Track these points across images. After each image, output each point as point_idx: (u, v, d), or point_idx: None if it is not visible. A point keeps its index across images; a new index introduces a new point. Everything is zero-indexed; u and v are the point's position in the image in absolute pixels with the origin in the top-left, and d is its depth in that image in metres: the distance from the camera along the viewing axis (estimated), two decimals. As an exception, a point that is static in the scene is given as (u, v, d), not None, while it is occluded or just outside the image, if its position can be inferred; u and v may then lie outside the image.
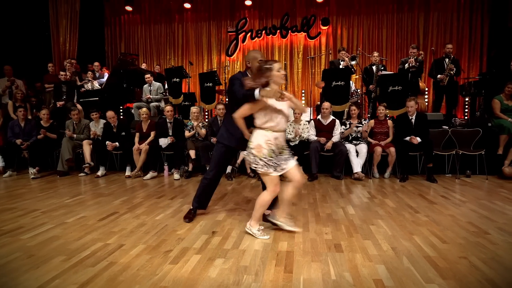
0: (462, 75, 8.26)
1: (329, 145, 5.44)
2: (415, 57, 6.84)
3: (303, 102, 9.49)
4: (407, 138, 5.32)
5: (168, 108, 5.94)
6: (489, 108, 6.10)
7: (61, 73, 7.40)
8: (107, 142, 5.90)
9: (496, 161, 5.50)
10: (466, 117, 7.95)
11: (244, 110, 2.76)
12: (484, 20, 9.26)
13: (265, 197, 2.81)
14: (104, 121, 6.23)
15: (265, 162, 2.68)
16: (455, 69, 6.73)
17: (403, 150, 5.34)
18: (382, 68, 7.15)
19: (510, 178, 5.17)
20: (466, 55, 9.40)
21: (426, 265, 2.28)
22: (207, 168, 5.53)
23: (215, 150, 3.24)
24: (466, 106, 8.37)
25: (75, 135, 6.17)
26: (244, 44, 10.51)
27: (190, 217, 3.31)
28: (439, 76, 6.81)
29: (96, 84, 8.07)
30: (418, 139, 5.24)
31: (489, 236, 2.82)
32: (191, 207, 3.38)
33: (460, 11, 9.43)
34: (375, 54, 7.28)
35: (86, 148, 6.00)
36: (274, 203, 3.02)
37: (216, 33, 10.70)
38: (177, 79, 7.16)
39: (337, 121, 5.69)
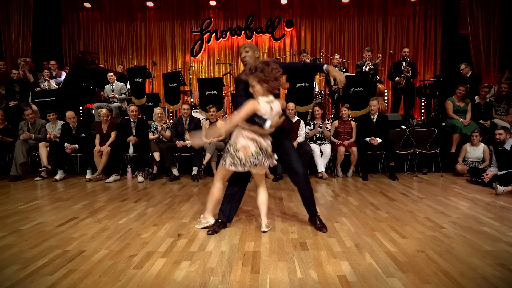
0: (418, 77, 8.69)
1: (294, 145, 5.51)
2: (371, 60, 7.12)
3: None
4: (367, 139, 5.51)
5: (133, 108, 5.79)
6: (443, 109, 6.46)
7: (14, 71, 7.00)
8: (65, 144, 5.63)
9: (450, 158, 5.84)
10: (422, 118, 8.35)
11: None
12: (437, 26, 9.82)
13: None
14: (62, 122, 5.95)
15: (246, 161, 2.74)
16: (411, 71, 7.07)
17: (364, 150, 5.53)
18: (344, 70, 7.36)
19: (462, 175, 5.51)
20: (421, 58, 9.91)
21: (387, 260, 2.38)
22: (172, 171, 5.51)
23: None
24: (422, 107, 8.83)
25: (33, 135, 5.84)
26: (209, 44, 10.44)
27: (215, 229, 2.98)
28: (397, 78, 7.13)
29: (53, 84, 7.70)
30: (379, 140, 5.44)
31: (444, 230, 2.99)
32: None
33: (416, 17, 9.94)
34: (336, 56, 7.50)
35: (43, 150, 5.69)
36: None
37: (180, 33, 10.53)
38: (140, 79, 6.98)
39: (302, 122, 5.79)
